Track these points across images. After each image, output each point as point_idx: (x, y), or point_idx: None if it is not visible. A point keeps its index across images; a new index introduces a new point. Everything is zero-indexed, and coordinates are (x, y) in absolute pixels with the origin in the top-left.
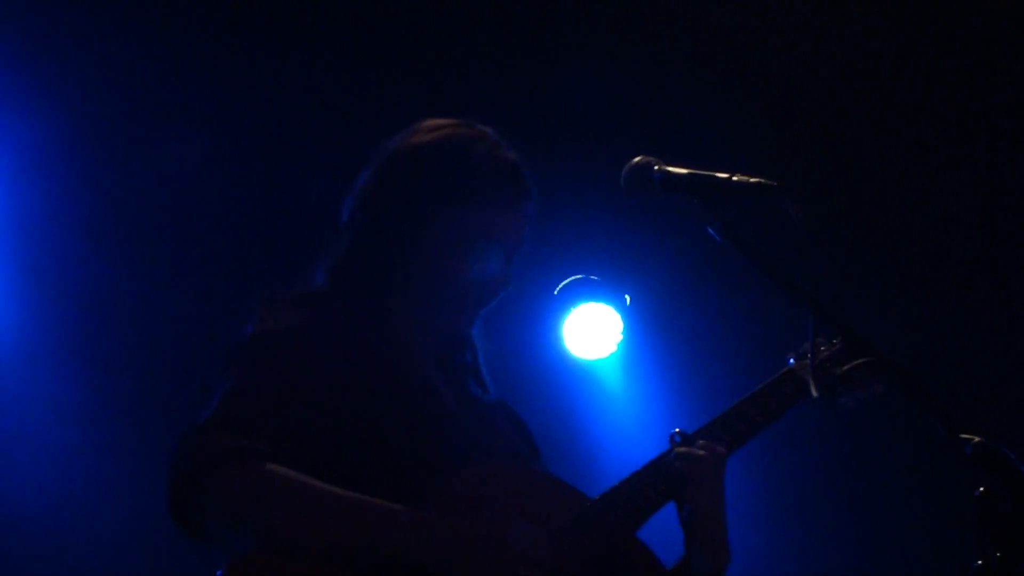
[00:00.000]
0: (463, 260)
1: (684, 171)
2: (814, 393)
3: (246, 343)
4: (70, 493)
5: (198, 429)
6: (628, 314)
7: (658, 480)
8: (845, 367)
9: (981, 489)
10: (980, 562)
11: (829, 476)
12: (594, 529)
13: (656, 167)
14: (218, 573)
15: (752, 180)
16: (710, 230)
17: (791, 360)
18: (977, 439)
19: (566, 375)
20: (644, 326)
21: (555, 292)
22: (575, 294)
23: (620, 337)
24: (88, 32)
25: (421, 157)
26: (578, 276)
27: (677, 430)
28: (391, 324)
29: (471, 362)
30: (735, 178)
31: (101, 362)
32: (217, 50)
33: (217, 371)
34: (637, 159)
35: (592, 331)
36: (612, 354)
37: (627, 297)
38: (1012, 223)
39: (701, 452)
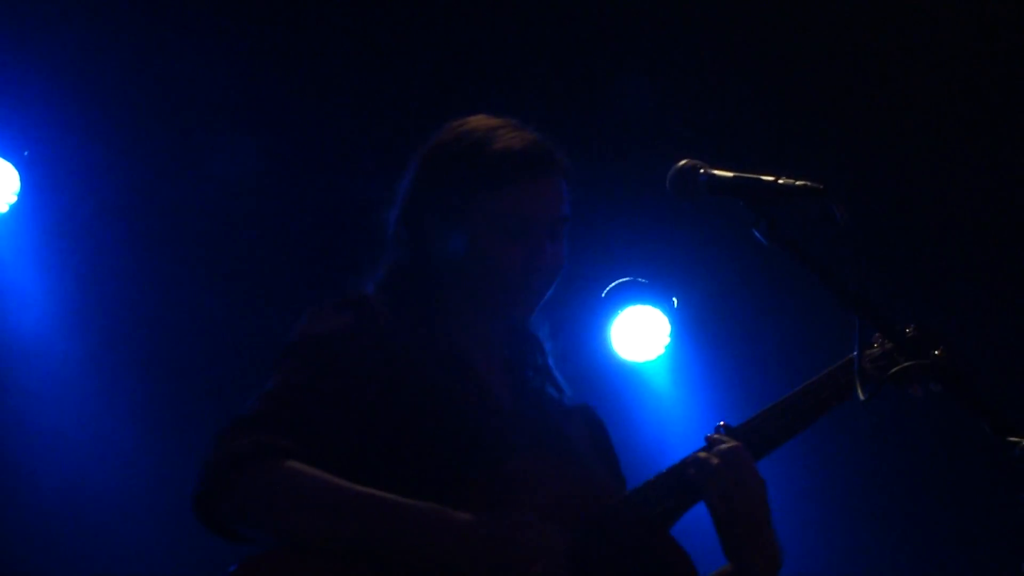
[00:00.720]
0: (505, 244)
1: (730, 174)
2: (861, 396)
3: (291, 345)
4: (106, 490)
5: (230, 427)
6: (675, 316)
7: (676, 484)
8: (893, 369)
9: None
10: None
11: (871, 477)
12: (621, 529)
13: (702, 170)
14: (231, 569)
15: (798, 183)
16: (755, 232)
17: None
18: None
19: (614, 377)
20: (691, 328)
21: (603, 295)
22: (623, 297)
23: (667, 340)
24: (130, 39)
25: (446, 154)
26: (626, 279)
27: (722, 423)
28: (441, 327)
29: (541, 363)
30: (781, 181)
31: (142, 364)
32: (258, 56)
33: (257, 372)
34: (683, 162)
35: (640, 334)
36: (659, 356)
37: (675, 300)
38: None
39: (715, 461)
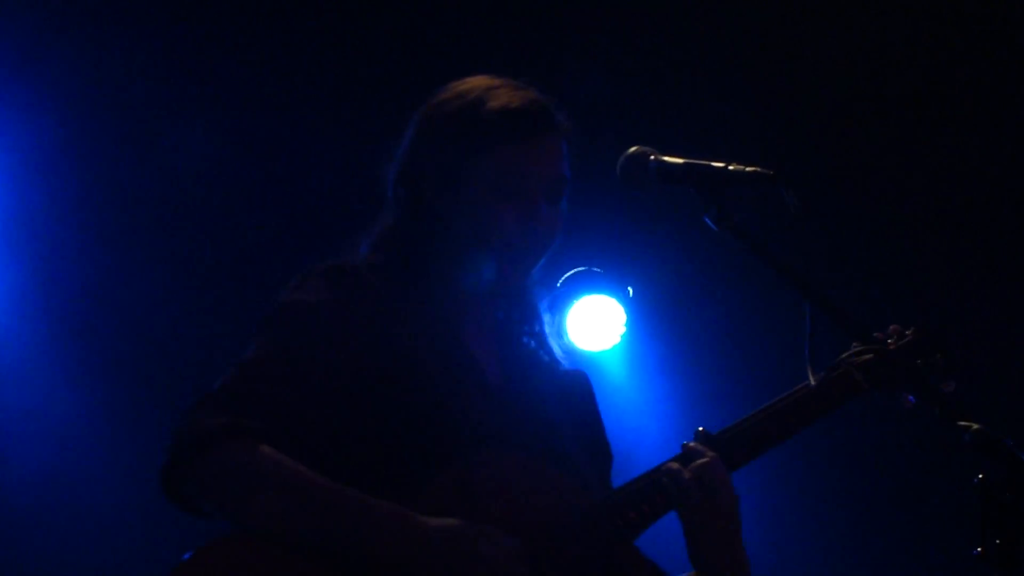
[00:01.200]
0: (500, 204)
1: (680, 161)
2: (811, 382)
3: (273, 312)
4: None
5: (201, 402)
6: (631, 306)
7: (652, 493)
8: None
9: (980, 477)
10: (980, 549)
11: (824, 463)
12: (585, 539)
13: (652, 157)
14: (185, 557)
15: (748, 169)
16: (707, 219)
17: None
18: (976, 426)
19: None
20: (647, 317)
21: (558, 285)
22: (578, 286)
23: (623, 329)
24: (86, 30)
25: (443, 113)
26: (581, 268)
27: (701, 429)
28: (433, 295)
29: (538, 330)
30: (731, 167)
31: (101, 358)
32: (215, 45)
33: (218, 357)
34: (633, 149)
35: (595, 323)
36: (615, 346)
37: (630, 289)
38: (1010, 216)
39: (688, 475)
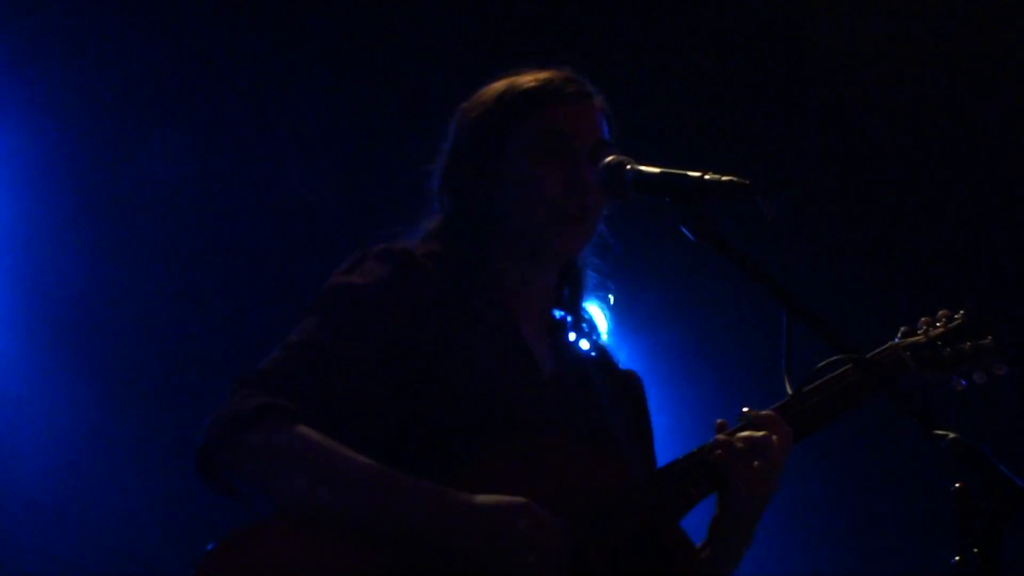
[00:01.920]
0: (545, 165)
1: (656, 170)
2: (788, 390)
3: (325, 292)
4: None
5: (244, 381)
6: (612, 312)
7: (700, 472)
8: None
9: (957, 485)
10: (958, 558)
11: (805, 472)
12: (627, 518)
13: (628, 166)
14: (208, 547)
15: (724, 178)
16: (683, 229)
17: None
18: (952, 435)
19: None
20: (628, 323)
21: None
22: None
23: (604, 336)
24: (66, 38)
25: (478, 104)
26: None
27: (746, 409)
28: (487, 282)
29: (590, 330)
30: (707, 176)
31: (83, 361)
32: (206, 53)
33: (198, 365)
34: (609, 158)
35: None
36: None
37: (610, 296)
38: (991, 222)
39: (740, 445)
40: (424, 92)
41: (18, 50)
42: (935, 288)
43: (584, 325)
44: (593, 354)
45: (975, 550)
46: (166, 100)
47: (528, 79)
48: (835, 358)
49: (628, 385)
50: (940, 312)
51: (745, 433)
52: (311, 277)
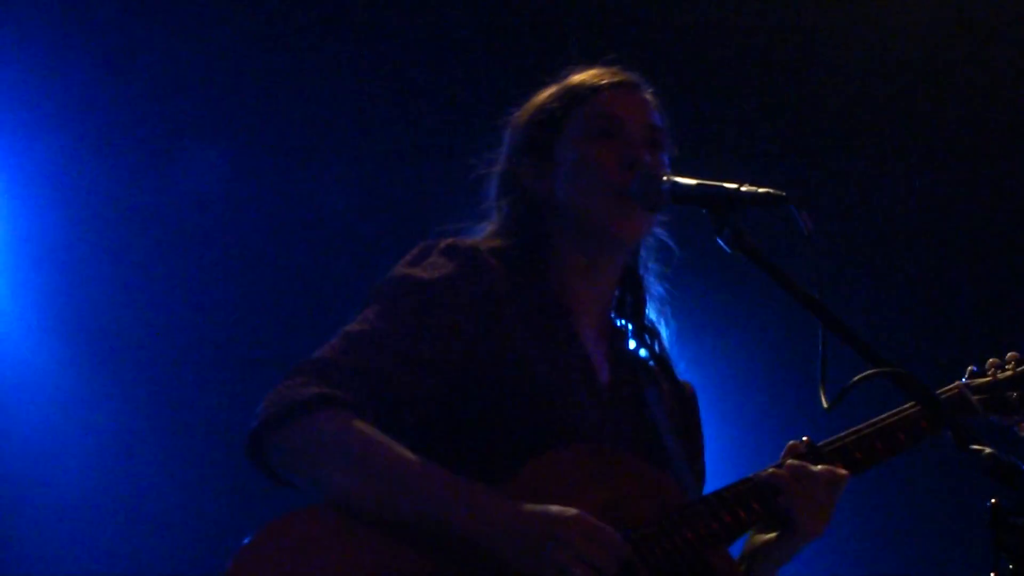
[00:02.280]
0: (599, 145)
1: (693, 181)
2: (824, 404)
3: (387, 283)
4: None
5: (298, 369)
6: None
7: (758, 496)
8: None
9: (992, 501)
10: (993, 574)
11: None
12: (680, 534)
13: (665, 177)
14: (245, 541)
15: (761, 190)
16: (719, 240)
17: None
18: (988, 450)
19: None
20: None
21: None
22: None
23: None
24: (99, 48)
25: (531, 106)
26: None
27: (805, 439)
28: (549, 282)
29: (651, 340)
30: (744, 188)
31: (114, 367)
32: (227, 66)
33: (226, 372)
34: (646, 170)
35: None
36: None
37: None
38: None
39: (816, 469)
40: (459, 104)
41: (51, 63)
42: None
43: (646, 335)
44: (651, 363)
45: (1010, 565)
46: (196, 111)
47: (578, 74)
48: (870, 372)
49: (683, 396)
50: (1009, 355)
51: (821, 467)
52: (340, 286)
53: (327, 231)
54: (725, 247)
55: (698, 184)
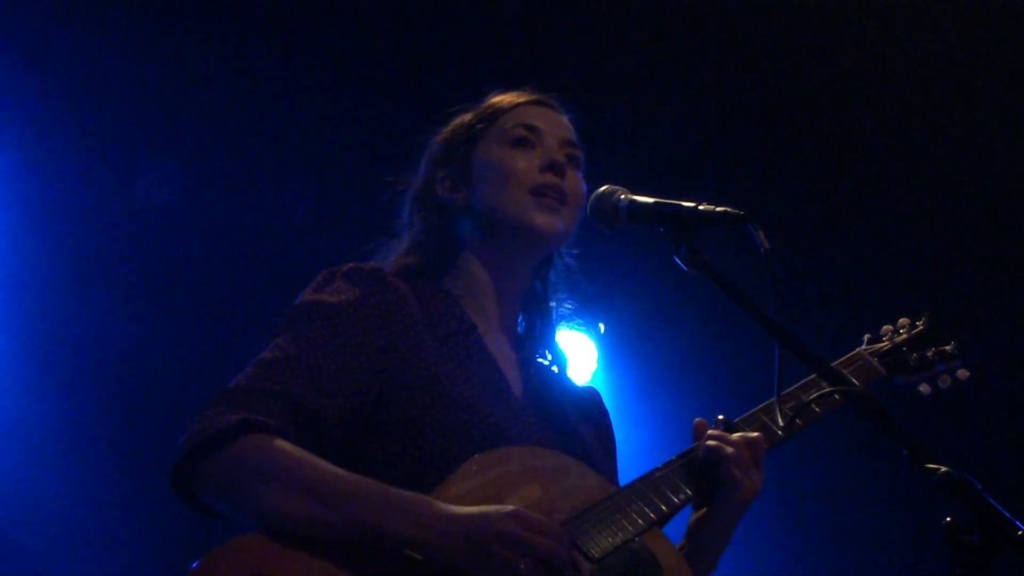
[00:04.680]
0: (517, 150)
1: (650, 200)
2: (780, 422)
3: (295, 309)
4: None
5: (215, 399)
6: (602, 342)
7: (687, 476)
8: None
9: (948, 519)
10: None
11: (797, 504)
12: (616, 521)
13: (622, 196)
14: (193, 565)
15: (718, 209)
16: (676, 259)
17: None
18: (943, 469)
19: None
20: (618, 353)
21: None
22: None
23: (595, 365)
24: (56, 65)
25: (447, 127)
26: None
27: (721, 416)
28: (456, 298)
29: (554, 347)
30: (701, 207)
31: (69, 383)
32: (187, 78)
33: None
34: (603, 188)
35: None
36: (586, 382)
37: (601, 325)
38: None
39: (738, 441)
40: (419, 120)
41: (7, 75)
42: (895, 299)
43: (549, 351)
44: (555, 369)
45: None
46: (154, 125)
47: (495, 96)
48: (827, 390)
49: (592, 400)
50: (901, 320)
51: (739, 434)
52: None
53: (286, 245)
54: (682, 265)
55: (655, 202)
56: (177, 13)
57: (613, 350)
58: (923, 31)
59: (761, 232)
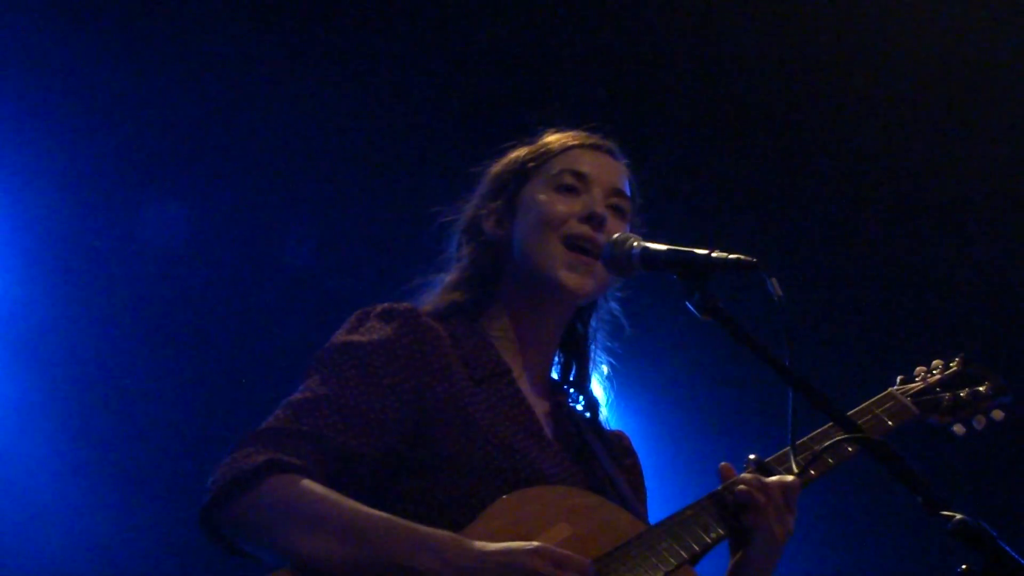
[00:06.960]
0: (561, 195)
1: (663, 247)
2: (794, 468)
3: (327, 350)
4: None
5: (244, 441)
6: (610, 384)
7: (716, 516)
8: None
9: (963, 567)
10: None
11: (814, 549)
12: (647, 559)
13: (635, 243)
14: None
15: (731, 257)
16: (689, 306)
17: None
18: (958, 516)
19: None
20: (627, 396)
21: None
22: None
23: (604, 412)
24: (61, 98)
25: (500, 162)
26: None
27: (753, 456)
28: (491, 340)
29: (589, 395)
30: (714, 254)
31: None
32: (191, 116)
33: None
34: (616, 235)
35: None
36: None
37: (605, 367)
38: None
39: (771, 486)
40: (426, 160)
41: (10, 110)
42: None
43: (587, 402)
44: (588, 415)
45: None
46: (158, 164)
47: (550, 135)
48: (841, 437)
49: (621, 445)
50: (935, 361)
51: (775, 478)
52: (306, 341)
53: (289, 285)
54: (695, 312)
55: (668, 250)
56: (183, 54)
57: (622, 393)
58: (950, 82)
59: (774, 280)
